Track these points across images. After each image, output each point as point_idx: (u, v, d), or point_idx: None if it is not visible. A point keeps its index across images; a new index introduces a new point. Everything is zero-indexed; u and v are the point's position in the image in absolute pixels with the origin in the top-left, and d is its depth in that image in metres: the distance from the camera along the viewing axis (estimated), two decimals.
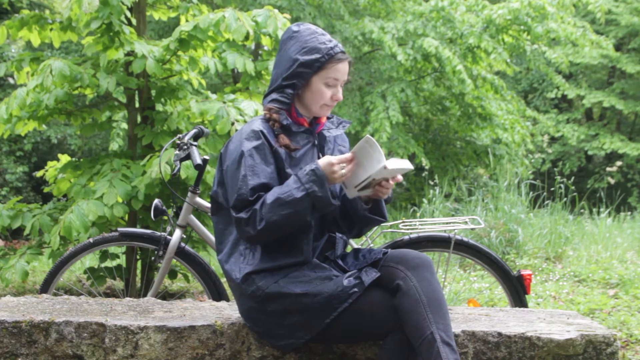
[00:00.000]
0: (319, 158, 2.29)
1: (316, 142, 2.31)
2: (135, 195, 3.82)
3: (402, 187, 12.07)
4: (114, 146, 5.99)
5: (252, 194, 2.10)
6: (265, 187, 2.13)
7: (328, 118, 2.38)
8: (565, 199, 6.71)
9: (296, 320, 2.13)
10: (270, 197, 2.08)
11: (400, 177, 2.19)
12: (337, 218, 2.34)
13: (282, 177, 2.19)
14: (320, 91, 2.22)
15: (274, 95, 2.25)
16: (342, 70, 2.24)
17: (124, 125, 5.58)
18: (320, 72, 2.21)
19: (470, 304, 3.41)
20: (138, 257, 4.13)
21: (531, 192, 6.88)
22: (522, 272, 3.02)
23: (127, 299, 2.74)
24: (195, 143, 3.08)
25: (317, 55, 2.19)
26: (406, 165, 2.11)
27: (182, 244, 3.12)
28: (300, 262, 2.18)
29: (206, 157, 3.13)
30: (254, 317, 2.21)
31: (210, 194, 2.30)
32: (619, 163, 9.68)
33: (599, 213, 7.65)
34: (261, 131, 2.19)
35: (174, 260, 3.24)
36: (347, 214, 2.33)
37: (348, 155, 2.12)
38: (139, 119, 4.36)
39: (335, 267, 2.25)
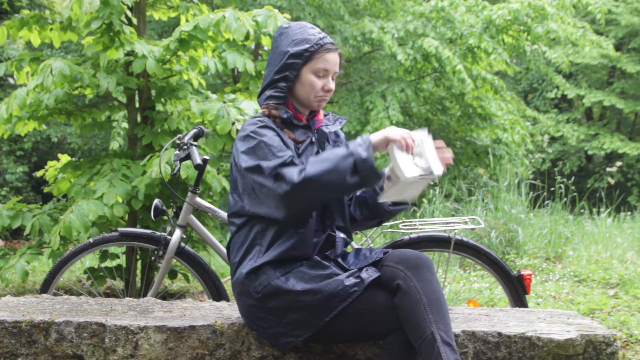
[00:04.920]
0: (317, 154, 2.30)
1: (314, 139, 2.31)
2: (135, 195, 3.82)
3: None
4: (115, 145, 5.99)
5: (289, 157, 2.10)
6: (295, 157, 2.14)
7: (325, 115, 2.38)
8: (565, 199, 6.71)
9: (295, 317, 2.14)
10: (312, 157, 2.09)
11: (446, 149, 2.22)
12: (360, 209, 2.41)
13: None
14: (311, 82, 2.23)
15: (268, 92, 2.26)
16: (331, 60, 2.23)
17: (125, 125, 5.58)
18: (309, 62, 2.21)
19: (470, 304, 3.41)
20: (138, 257, 4.13)
21: (531, 192, 6.88)
22: (522, 272, 3.02)
23: (127, 299, 2.74)
24: (195, 143, 3.08)
25: (307, 45, 2.21)
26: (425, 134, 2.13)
27: (182, 244, 3.12)
28: (302, 256, 2.18)
29: (206, 157, 3.13)
30: (254, 314, 2.21)
31: (228, 206, 2.30)
32: (619, 163, 9.68)
33: (599, 213, 7.66)
34: (267, 123, 2.20)
35: (174, 260, 3.24)
36: (372, 213, 2.40)
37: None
38: (139, 118, 4.37)
39: (336, 266, 2.26)
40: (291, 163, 2.10)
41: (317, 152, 2.29)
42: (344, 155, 2.03)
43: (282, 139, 2.18)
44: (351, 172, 2.02)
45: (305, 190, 2.03)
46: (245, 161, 2.15)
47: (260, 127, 2.18)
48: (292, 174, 2.04)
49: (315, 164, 2.05)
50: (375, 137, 2.10)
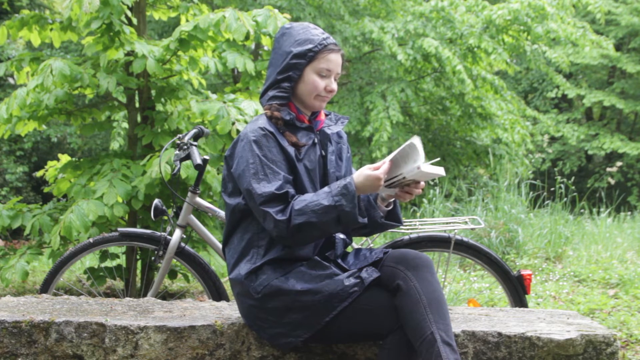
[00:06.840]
0: (321, 155, 2.30)
1: (317, 140, 2.31)
2: (135, 195, 3.82)
3: None
4: (115, 145, 5.99)
5: (279, 187, 2.10)
6: (288, 180, 2.13)
7: (326, 115, 2.38)
8: (565, 198, 6.71)
9: (296, 318, 2.14)
10: (298, 203, 2.08)
11: (422, 184, 2.20)
12: None
13: (295, 175, 2.19)
14: (314, 81, 2.23)
15: (271, 93, 2.26)
16: (334, 61, 2.25)
17: (125, 125, 5.59)
18: (312, 62, 2.22)
19: (470, 304, 3.41)
20: (138, 257, 4.13)
21: (531, 192, 6.88)
22: (522, 272, 3.02)
23: (127, 299, 2.74)
24: (195, 143, 3.09)
25: (310, 45, 2.22)
26: (439, 171, 2.11)
27: (182, 244, 3.12)
28: (302, 256, 2.19)
29: (206, 157, 3.13)
30: (254, 315, 2.21)
31: (224, 201, 2.30)
32: (619, 163, 9.69)
33: (599, 213, 7.66)
34: (268, 130, 2.19)
35: (174, 260, 3.23)
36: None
37: (380, 163, 2.12)
38: (139, 118, 4.37)
39: (336, 266, 2.26)
40: (283, 196, 2.09)
41: (320, 154, 2.29)
42: (328, 208, 2.05)
43: (281, 149, 2.18)
44: (335, 223, 2.07)
45: (292, 238, 2.09)
46: (239, 176, 2.16)
47: (262, 135, 2.17)
48: (282, 224, 2.06)
49: (301, 214, 2.06)
50: (359, 179, 2.09)
